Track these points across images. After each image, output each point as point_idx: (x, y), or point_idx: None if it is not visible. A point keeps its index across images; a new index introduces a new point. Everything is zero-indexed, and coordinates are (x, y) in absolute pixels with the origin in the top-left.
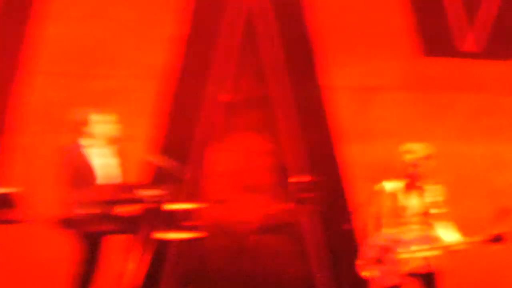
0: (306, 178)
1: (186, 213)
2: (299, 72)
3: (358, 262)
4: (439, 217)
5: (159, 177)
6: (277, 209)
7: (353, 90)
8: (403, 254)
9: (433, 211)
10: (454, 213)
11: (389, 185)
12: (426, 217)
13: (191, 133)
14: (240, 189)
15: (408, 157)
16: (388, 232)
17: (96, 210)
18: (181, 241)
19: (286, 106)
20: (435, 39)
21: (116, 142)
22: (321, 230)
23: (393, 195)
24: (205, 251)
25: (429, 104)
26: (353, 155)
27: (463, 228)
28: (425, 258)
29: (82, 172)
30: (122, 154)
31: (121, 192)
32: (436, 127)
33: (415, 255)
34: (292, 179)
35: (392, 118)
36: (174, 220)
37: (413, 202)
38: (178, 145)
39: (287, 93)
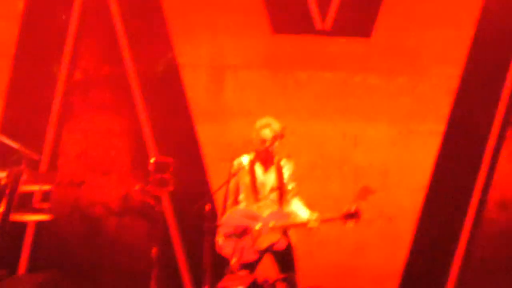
0: (162, 159)
1: (42, 195)
2: (154, 50)
3: (216, 239)
4: (295, 193)
5: (13, 159)
6: (134, 190)
7: (208, 69)
8: (260, 230)
9: (289, 187)
10: (316, 192)
11: (246, 161)
12: (283, 193)
13: (46, 114)
14: (97, 171)
15: (264, 132)
16: (245, 209)
17: None
18: (38, 224)
19: (141, 85)
20: (289, 16)
21: None
22: (178, 211)
23: (250, 171)
24: (63, 234)
25: (285, 82)
26: (209, 134)
27: (325, 207)
28: (281, 234)
29: None
30: None
31: None
32: (292, 105)
33: (271, 231)
34: (149, 160)
35: (247, 97)
36: (29, 202)
37: (270, 178)
38: (33, 126)
39: (143, 71)
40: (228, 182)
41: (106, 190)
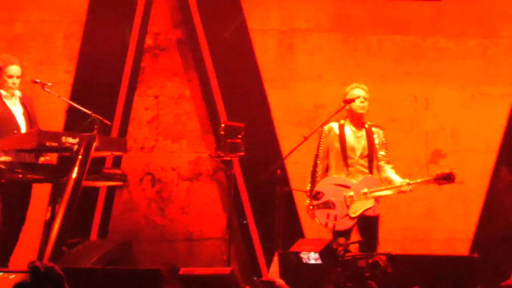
0: (233, 123)
1: (113, 161)
2: (224, 15)
3: (308, 207)
4: (386, 160)
5: (85, 124)
6: (204, 155)
7: (277, 33)
8: (353, 197)
9: (380, 153)
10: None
11: (336, 126)
12: (373, 159)
13: (117, 79)
14: (168, 136)
15: (355, 97)
16: (337, 177)
17: (20, 159)
18: (109, 190)
19: (211, 50)
20: None
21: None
22: (250, 175)
23: (340, 136)
24: (134, 200)
25: (355, 46)
26: (279, 99)
27: (396, 170)
28: (374, 201)
29: (3, 121)
30: (42, 102)
31: (43, 139)
32: (363, 69)
33: (364, 197)
34: (220, 125)
35: (317, 61)
36: (101, 168)
37: (361, 143)
38: (104, 92)
39: (213, 36)
40: (318, 146)
41: (177, 155)
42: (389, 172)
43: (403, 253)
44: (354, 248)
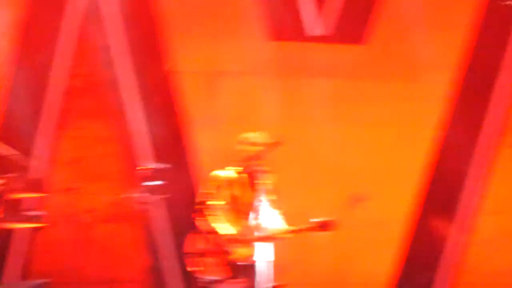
0: (153, 166)
1: (31, 202)
2: (145, 57)
3: (186, 254)
4: (274, 206)
5: (1, 166)
6: (125, 197)
7: (202, 75)
8: (233, 244)
9: (266, 199)
10: (309, 199)
11: (227, 174)
12: (259, 206)
13: (38, 120)
14: (88, 177)
15: (247, 148)
16: (219, 223)
17: None
18: (26, 231)
19: (131, 92)
20: (283, 23)
21: None
22: (169, 218)
23: (230, 183)
24: (53, 241)
25: (278, 89)
26: (204, 141)
27: (317, 213)
28: (255, 248)
29: None
30: None
31: None
32: (286, 112)
33: (247, 244)
34: (139, 167)
35: (242, 103)
36: (18, 210)
37: (248, 191)
38: (26, 133)
39: (133, 78)
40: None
41: (99, 196)
42: (276, 218)
43: None
44: None
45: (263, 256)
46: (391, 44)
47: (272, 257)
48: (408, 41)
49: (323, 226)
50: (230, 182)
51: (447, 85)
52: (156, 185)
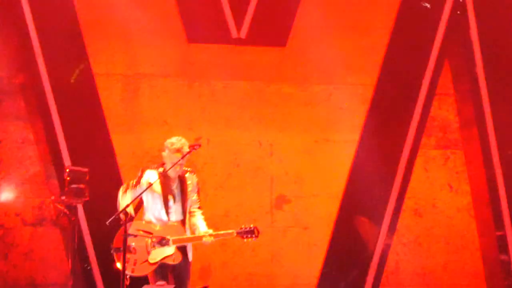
0: (78, 169)
1: None
2: (69, 59)
3: (112, 251)
4: (197, 205)
5: None
6: (49, 200)
7: (122, 78)
8: (155, 244)
9: (192, 199)
10: (231, 201)
11: (153, 175)
12: (185, 206)
13: None
14: (10, 180)
15: (166, 153)
16: (141, 221)
17: None
18: None
19: (56, 95)
20: (204, 25)
21: None
22: (93, 221)
23: (152, 182)
24: None
25: (200, 91)
26: (124, 144)
27: (240, 215)
28: (176, 249)
29: None
30: None
31: None
32: (208, 114)
33: (166, 245)
34: (64, 170)
35: (162, 106)
36: None
37: (175, 191)
38: None
39: (57, 81)
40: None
41: (21, 200)
42: (198, 218)
43: None
44: None
45: (186, 257)
46: (312, 47)
47: (191, 258)
48: (327, 43)
49: (244, 234)
50: (153, 181)
51: (367, 88)
52: (78, 188)
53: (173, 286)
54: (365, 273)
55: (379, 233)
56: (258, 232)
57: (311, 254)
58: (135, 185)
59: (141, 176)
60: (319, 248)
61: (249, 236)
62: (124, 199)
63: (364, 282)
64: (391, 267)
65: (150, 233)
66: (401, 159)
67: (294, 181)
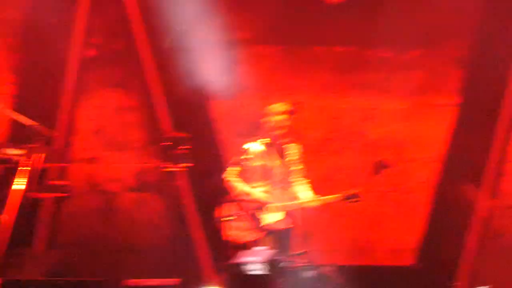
0: (178, 134)
1: (55, 172)
2: (166, 25)
3: (219, 219)
4: (300, 175)
5: (25, 136)
6: (149, 166)
7: (222, 43)
8: (262, 211)
9: (295, 169)
10: (330, 166)
11: (257, 145)
12: (289, 175)
13: (57, 90)
14: (112, 146)
15: (271, 119)
16: (248, 190)
17: None
18: (51, 200)
19: (155, 60)
20: None
21: None
22: (193, 187)
23: (257, 154)
24: (78, 211)
25: (298, 57)
26: (223, 109)
27: (338, 181)
28: (283, 215)
29: None
30: None
31: None
32: (306, 80)
33: (273, 211)
34: (163, 136)
35: (261, 72)
36: (43, 179)
37: (276, 161)
38: (47, 103)
39: (156, 46)
40: (236, 163)
41: (123, 166)
42: (302, 186)
43: (349, 263)
44: (300, 259)
45: (290, 223)
46: (409, 10)
47: (298, 224)
48: (427, 7)
49: (349, 198)
50: (258, 152)
51: (464, 50)
52: (179, 154)
53: (277, 250)
54: (466, 237)
55: (479, 196)
56: (361, 196)
57: (412, 218)
58: (240, 161)
59: (244, 150)
60: (420, 213)
61: (352, 199)
62: (232, 176)
63: (465, 246)
64: (492, 231)
65: (259, 201)
66: (500, 121)
67: (394, 146)
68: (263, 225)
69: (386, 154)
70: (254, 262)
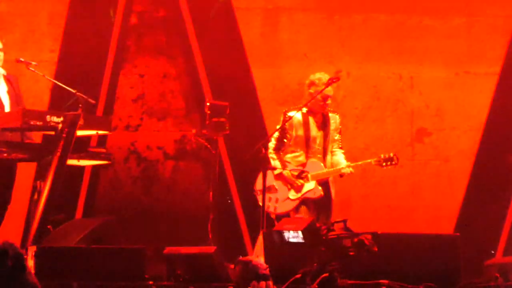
0: (218, 102)
1: (98, 140)
2: None
3: (255, 188)
4: (338, 145)
5: (69, 103)
6: (191, 134)
7: (262, 11)
8: (300, 180)
9: (335, 138)
10: (372, 134)
11: (299, 115)
12: (328, 145)
13: (102, 58)
14: (152, 114)
15: (312, 88)
16: (285, 160)
17: (4, 138)
18: (94, 169)
19: (196, 29)
20: None
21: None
22: (234, 154)
23: (304, 125)
24: (119, 179)
25: (339, 24)
26: (264, 77)
27: (380, 148)
28: (316, 184)
29: None
30: (27, 81)
31: (28, 118)
32: (347, 48)
33: (307, 180)
34: (205, 103)
35: (302, 39)
36: (86, 147)
37: (320, 131)
38: (89, 71)
39: (198, 14)
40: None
41: (162, 134)
42: (339, 156)
43: (388, 231)
44: (338, 227)
45: (328, 192)
46: None
47: (332, 194)
48: None
49: (385, 161)
50: (299, 121)
51: (508, 19)
52: (219, 121)
53: (315, 219)
54: (506, 207)
55: None
56: (398, 159)
57: (452, 187)
58: (281, 129)
59: (284, 120)
60: (460, 181)
61: (388, 163)
62: (272, 145)
63: (505, 216)
64: None
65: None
66: None
67: (435, 114)
68: (302, 195)
69: (427, 122)
70: (293, 230)
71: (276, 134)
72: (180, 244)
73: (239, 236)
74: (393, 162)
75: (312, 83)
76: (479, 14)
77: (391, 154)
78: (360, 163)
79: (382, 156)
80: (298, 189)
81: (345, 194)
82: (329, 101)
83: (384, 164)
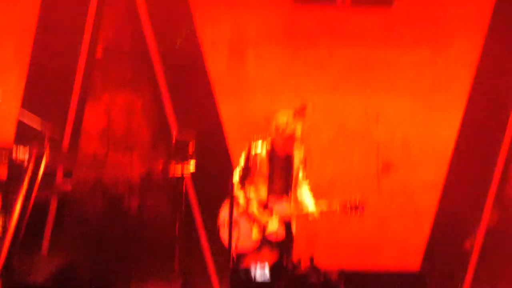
0: (183, 136)
1: (63, 173)
2: (175, 27)
3: (219, 221)
4: (304, 177)
5: (32, 136)
6: (157, 166)
7: (228, 44)
8: (262, 218)
9: (299, 171)
10: (337, 167)
11: (261, 146)
12: (292, 178)
13: (67, 92)
14: (119, 148)
15: (277, 122)
16: (247, 196)
17: None
18: (60, 203)
19: (163, 62)
20: None
21: None
22: (200, 188)
23: (264, 156)
24: (85, 212)
25: (305, 57)
26: (230, 110)
27: (346, 182)
28: (280, 225)
29: None
30: None
31: None
32: (313, 80)
33: (271, 221)
34: (171, 136)
35: (268, 72)
36: (51, 182)
37: (281, 164)
38: (54, 104)
39: (164, 48)
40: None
41: (129, 167)
42: (304, 190)
43: (355, 267)
44: (304, 264)
45: (289, 231)
46: (417, 8)
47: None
48: (436, 4)
49: (353, 208)
50: (264, 154)
51: (478, 51)
52: (185, 155)
53: (280, 256)
54: (473, 240)
55: (486, 199)
56: (363, 208)
57: (418, 220)
58: (246, 163)
59: (249, 150)
60: (426, 215)
61: (353, 211)
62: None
63: (471, 250)
64: (498, 234)
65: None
66: (510, 122)
67: (401, 147)
68: (264, 237)
69: (393, 155)
70: (258, 268)
71: (243, 169)
72: (146, 278)
73: (205, 267)
74: (358, 211)
75: (277, 128)
76: (444, 47)
77: (357, 202)
78: (325, 209)
79: (348, 204)
80: (261, 229)
81: (311, 228)
82: (289, 134)
83: (349, 212)
